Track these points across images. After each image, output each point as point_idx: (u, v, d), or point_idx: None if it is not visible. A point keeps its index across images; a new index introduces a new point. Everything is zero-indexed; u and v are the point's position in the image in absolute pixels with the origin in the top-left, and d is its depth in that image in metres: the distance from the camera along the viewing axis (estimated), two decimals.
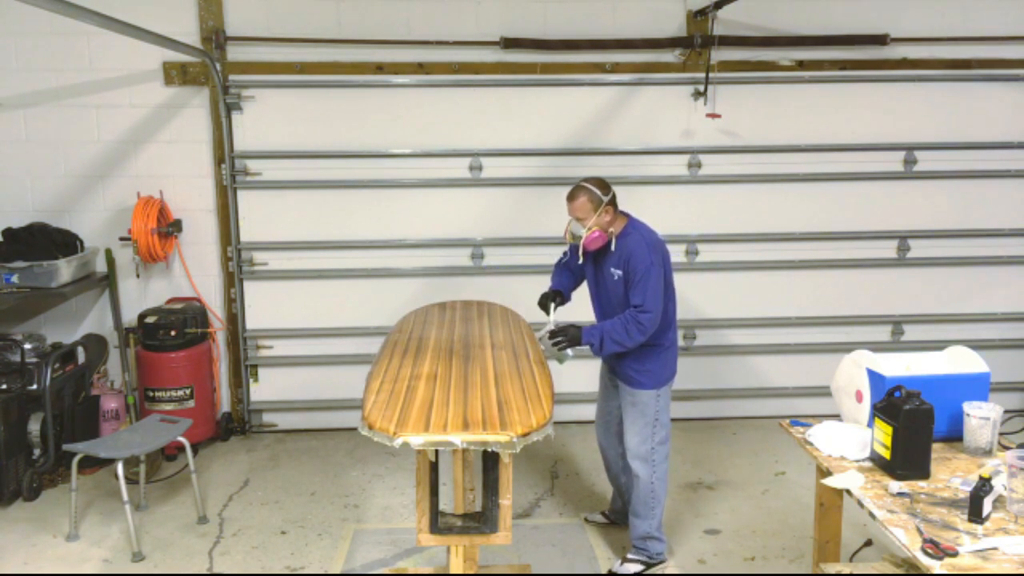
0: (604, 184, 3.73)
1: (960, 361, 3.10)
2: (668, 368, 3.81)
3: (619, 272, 3.67)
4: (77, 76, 5.28)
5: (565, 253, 4.14)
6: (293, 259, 5.55)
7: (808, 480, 4.62)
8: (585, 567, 3.87)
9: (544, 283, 5.70)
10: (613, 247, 3.72)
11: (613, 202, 3.72)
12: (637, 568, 3.82)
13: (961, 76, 5.62)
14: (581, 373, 5.70)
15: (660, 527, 3.86)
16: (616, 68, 5.47)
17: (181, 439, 4.31)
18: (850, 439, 2.93)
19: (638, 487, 3.80)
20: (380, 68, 5.38)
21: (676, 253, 5.65)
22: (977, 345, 3.32)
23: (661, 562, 3.87)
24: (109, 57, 5.26)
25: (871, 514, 2.51)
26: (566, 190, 3.75)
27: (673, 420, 5.73)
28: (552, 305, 3.95)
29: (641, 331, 3.57)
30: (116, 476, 4.00)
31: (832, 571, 3.00)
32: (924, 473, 2.70)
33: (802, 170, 5.63)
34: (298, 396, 5.68)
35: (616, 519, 4.28)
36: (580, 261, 3.83)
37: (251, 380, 5.65)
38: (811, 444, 3.02)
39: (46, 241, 5.05)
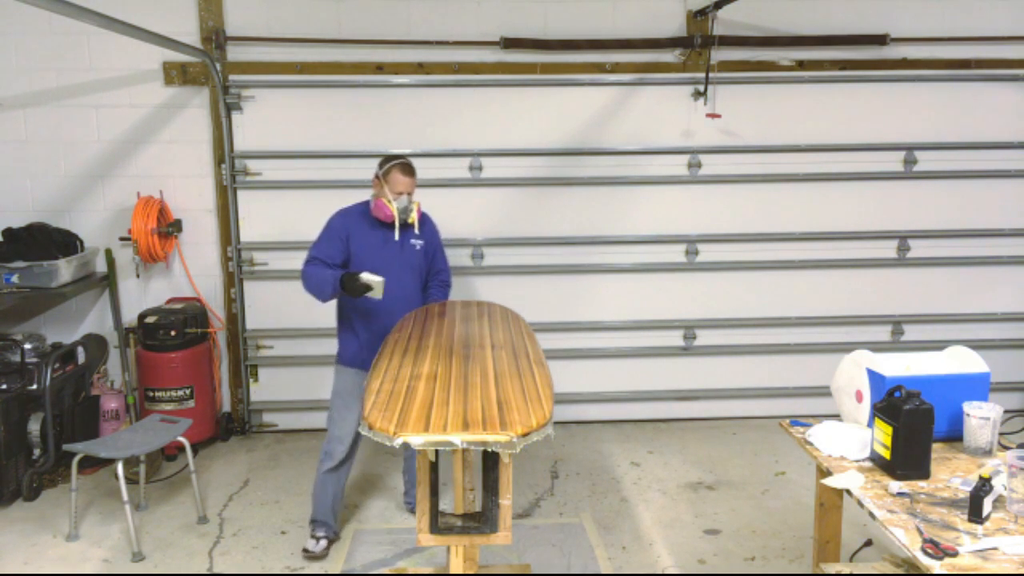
0: None
1: (960, 361, 3.09)
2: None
3: (421, 243, 4.06)
4: (77, 76, 5.28)
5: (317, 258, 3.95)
6: (293, 259, 5.52)
7: (808, 480, 4.62)
8: (585, 567, 3.87)
9: (544, 284, 5.70)
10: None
11: None
12: None
13: (961, 76, 5.61)
14: (581, 373, 5.71)
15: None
16: (616, 68, 5.46)
17: (181, 439, 4.31)
18: (850, 439, 2.93)
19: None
20: (380, 68, 5.38)
21: (676, 253, 5.67)
22: (977, 345, 3.32)
23: None
24: (109, 57, 5.26)
25: (871, 514, 2.51)
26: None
27: (673, 420, 5.82)
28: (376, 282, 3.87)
29: (449, 291, 4.21)
30: (116, 476, 4.01)
31: (832, 571, 3.00)
32: (924, 473, 2.70)
33: (802, 170, 5.63)
34: (298, 396, 5.68)
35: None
36: (397, 237, 3.99)
37: (251, 380, 5.65)
38: (811, 444, 3.01)
39: (46, 241, 5.05)
